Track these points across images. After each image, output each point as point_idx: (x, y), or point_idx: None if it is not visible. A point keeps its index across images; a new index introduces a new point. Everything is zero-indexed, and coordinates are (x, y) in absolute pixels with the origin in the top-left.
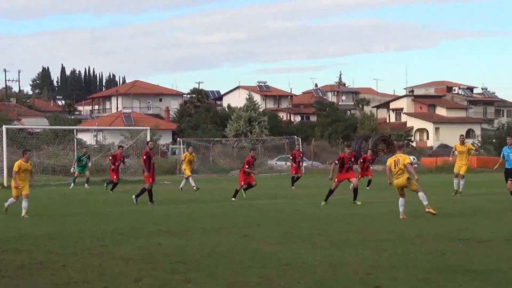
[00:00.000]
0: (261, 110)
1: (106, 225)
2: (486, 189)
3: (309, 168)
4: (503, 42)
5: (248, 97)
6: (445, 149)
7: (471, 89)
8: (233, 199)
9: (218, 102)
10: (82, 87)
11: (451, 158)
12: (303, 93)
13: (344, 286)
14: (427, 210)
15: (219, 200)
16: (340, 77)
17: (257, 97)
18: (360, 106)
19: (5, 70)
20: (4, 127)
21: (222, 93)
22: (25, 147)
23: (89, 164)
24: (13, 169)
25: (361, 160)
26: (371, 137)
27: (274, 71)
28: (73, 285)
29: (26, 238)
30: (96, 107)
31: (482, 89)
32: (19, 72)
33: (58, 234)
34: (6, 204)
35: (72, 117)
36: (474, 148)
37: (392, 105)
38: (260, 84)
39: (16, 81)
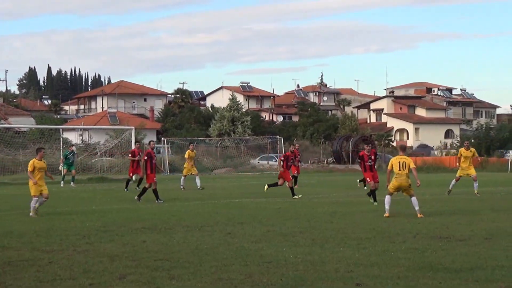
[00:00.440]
0: (244, 110)
1: (91, 223)
2: (465, 188)
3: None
4: (482, 44)
5: (231, 97)
6: (424, 149)
7: (450, 90)
8: (295, 197)
9: (202, 102)
10: (68, 87)
11: (458, 164)
12: (285, 93)
13: (325, 283)
14: (419, 215)
15: (203, 199)
16: (322, 78)
17: (240, 97)
18: (341, 106)
19: None
20: None
21: (205, 93)
22: (10, 145)
23: (77, 158)
24: (28, 169)
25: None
26: (352, 137)
27: (257, 72)
28: (59, 282)
29: (12, 235)
30: (82, 106)
31: (461, 90)
32: (6, 72)
33: (44, 232)
34: (32, 206)
35: (58, 117)
36: (477, 155)
37: (373, 105)
38: (243, 84)
39: (3, 81)
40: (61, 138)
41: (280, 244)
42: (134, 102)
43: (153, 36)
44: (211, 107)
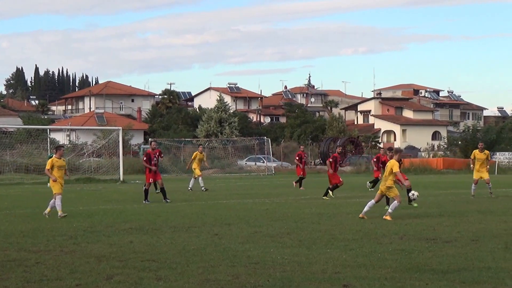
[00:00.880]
0: (231, 111)
1: (78, 223)
2: (452, 190)
3: (278, 169)
4: (469, 46)
5: (218, 98)
6: (412, 151)
7: (437, 92)
8: (328, 196)
9: (189, 103)
10: (55, 88)
11: (472, 166)
12: (273, 94)
13: (312, 284)
14: (384, 217)
15: (190, 200)
16: (309, 79)
17: (227, 99)
18: (329, 108)
19: None
20: None
21: (193, 94)
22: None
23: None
24: (46, 167)
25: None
26: (339, 139)
27: (245, 73)
28: (46, 282)
29: None
30: (69, 107)
31: (448, 92)
32: None
33: (31, 232)
34: (58, 209)
35: (46, 117)
36: (490, 158)
37: (360, 107)
38: (231, 85)
39: None
40: (48, 139)
41: (267, 245)
42: (121, 103)
43: (141, 37)
44: (198, 108)
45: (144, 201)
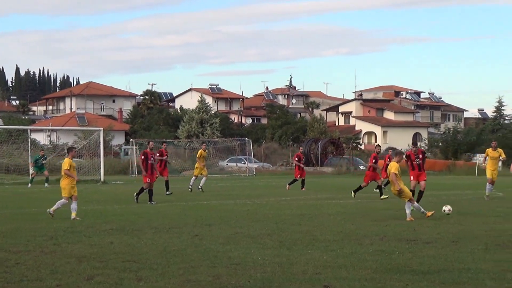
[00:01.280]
0: (212, 112)
1: (59, 224)
2: (432, 191)
3: (260, 170)
4: (450, 48)
5: (200, 99)
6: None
7: (418, 93)
8: (383, 197)
9: (171, 104)
10: (36, 88)
11: (483, 164)
12: (254, 96)
13: (293, 285)
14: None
15: (171, 200)
16: (291, 80)
17: (209, 99)
18: (310, 109)
19: None
20: None
21: (174, 95)
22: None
23: (45, 161)
24: (64, 168)
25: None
26: (320, 140)
27: (226, 74)
28: (26, 283)
29: None
30: (50, 107)
31: (429, 94)
32: None
33: (11, 232)
34: (73, 211)
35: (26, 117)
36: (504, 157)
37: (341, 108)
38: (212, 86)
39: None
40: (29, 139)
41: (248, 246)
42: (102, 103)
43: (122, 38)
44: (180, 108)
45: (148, 202)
